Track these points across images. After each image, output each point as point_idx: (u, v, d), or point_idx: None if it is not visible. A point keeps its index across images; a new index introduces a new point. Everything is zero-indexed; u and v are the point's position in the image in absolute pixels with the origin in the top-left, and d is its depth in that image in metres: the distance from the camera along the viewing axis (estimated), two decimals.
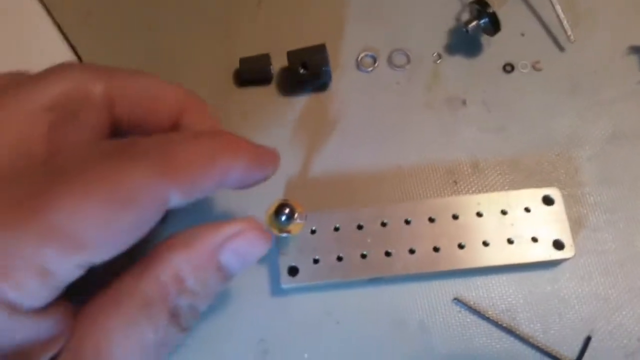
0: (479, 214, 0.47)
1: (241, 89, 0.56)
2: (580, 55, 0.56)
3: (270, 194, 0.51)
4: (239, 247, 0.35)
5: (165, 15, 0.58)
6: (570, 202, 0.50)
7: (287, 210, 0.44)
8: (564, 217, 0.46)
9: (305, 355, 0.46)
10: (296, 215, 0.44)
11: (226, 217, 0.51)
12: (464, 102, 0.54)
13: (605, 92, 0.54)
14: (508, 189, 0.50)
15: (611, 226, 0.49)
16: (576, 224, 0.49)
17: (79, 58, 0.56)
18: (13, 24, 0.56)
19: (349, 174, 0.52)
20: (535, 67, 0.55)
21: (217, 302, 0.48)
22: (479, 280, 0.47)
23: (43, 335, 0.28)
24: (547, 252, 0.45)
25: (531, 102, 0.54)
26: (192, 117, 0.39)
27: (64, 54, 0.56)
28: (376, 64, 0.56)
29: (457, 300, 0.47)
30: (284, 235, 0.44)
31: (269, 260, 0.49)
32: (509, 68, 0.55)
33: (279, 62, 0.57)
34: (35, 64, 0.35)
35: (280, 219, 0.44)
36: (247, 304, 0.48)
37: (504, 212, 0.47)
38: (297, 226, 0.44)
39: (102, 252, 0.29)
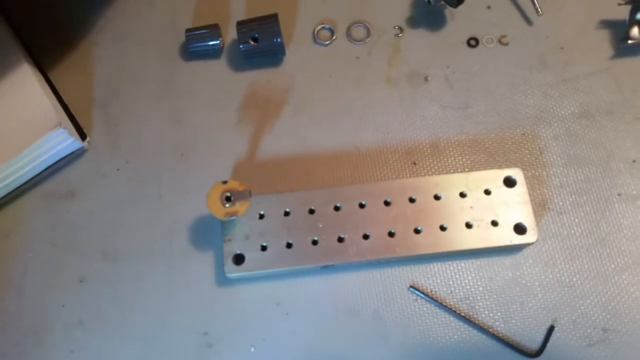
0: (437, 197, 0.44)
1: (188, 63, 0.52)
2: (549, 29, 0.53)
3: (216, 176, 0.47)
4: None
5: None
6: (534, 184, 0.47)
7: (227, 191, 0.41)
8: (526, 199, 0.43)
9: (252, 349, 0.43)
10: (237, 195, 0.41)
11: (171, 203, 0.47)
12: (425, 78, 0.51)
13: (574, 69, 0.51)
14: (469, 170, 0.47)
15: (577, 209, 0.46)
16: (540, 206, 0.46)
17: None
18: None
19: (302, 155, 0.48)
20: (501, 42, 0.52)
21: (157, 291, 0.44)
22: (436, 267, 0.44)
23: None
24: (508, 237, 0.43)
25: (496, 78, 0.51)
26: None
27: None
28: (334, 37, 0.53)
29: (414, 288, 0.44)
30: (231, 218, 0.41)
31: (213, 247, 0.45)
32: (473, 42, 0.52)
33: (230, 35, 0.53)
34: None
35: (223, 201, 0.41)
36: (189, 295, 0.44)
37: (462, 195, 0.44)
38: (242, 206, 0.41)
39: None
